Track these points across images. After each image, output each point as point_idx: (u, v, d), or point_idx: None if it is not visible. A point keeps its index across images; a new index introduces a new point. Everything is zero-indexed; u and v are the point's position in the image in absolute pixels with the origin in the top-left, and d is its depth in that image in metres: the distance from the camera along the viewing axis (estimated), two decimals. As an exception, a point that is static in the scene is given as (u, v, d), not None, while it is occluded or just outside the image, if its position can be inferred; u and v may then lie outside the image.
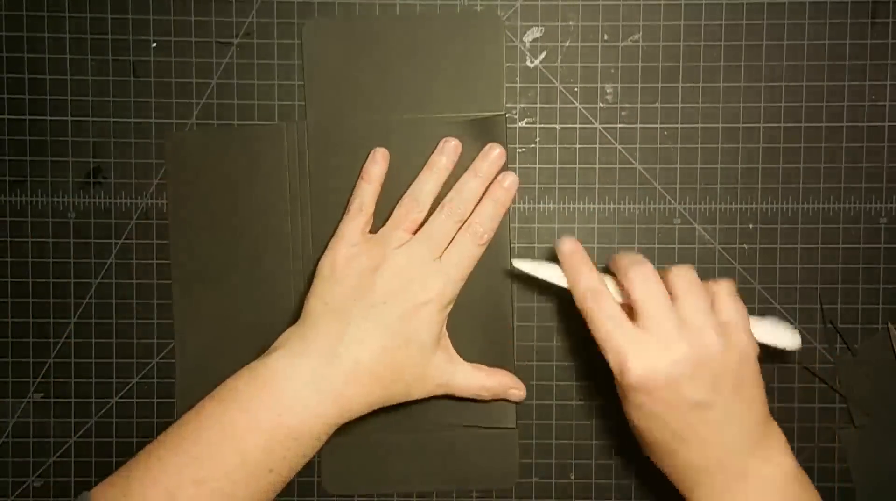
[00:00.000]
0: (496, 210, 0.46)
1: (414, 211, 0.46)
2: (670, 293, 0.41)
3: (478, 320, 0.48)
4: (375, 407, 0.44)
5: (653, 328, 0.40)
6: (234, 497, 0.40)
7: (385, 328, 0.43)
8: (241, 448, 0.41)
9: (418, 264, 0.44)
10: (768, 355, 0.49)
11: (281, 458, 0.41)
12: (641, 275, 0.41)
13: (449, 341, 0.47)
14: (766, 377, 0.48)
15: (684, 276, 0.42)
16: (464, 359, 0.47)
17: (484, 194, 0.47)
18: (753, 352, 0.42)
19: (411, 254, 0.45)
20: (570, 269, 0.43)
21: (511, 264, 0.47)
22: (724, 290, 0.42)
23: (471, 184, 0.46)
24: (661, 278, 0.42)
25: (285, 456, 0.41)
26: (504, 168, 0.47)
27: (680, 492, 0.43)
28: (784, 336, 0.44)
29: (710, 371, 0.40)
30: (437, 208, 0.46)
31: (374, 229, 0.47)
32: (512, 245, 0.49)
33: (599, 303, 0.42)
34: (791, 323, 0.47)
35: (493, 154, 0.47)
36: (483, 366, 0.47)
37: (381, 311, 0.43)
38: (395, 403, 0.44)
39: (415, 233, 0.46)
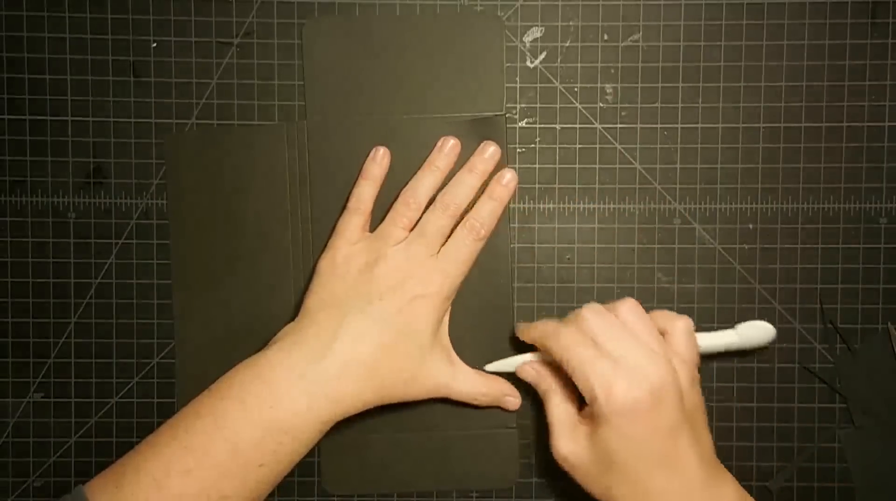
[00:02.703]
0: (494, 207, 0.46)
1: (411, 209, 0.46)
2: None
3: (478, 320, 0.48)
4: (372, 405, 0.44)
5: (627, 356, 0.41)
6: (222, 489, 0.40)
7: (382, 323, 0.43)
8: (232, 439, 0.41)
9: (415, 260, 0.45)
10: (768, 355, 0.49)
11: (272, 452, 0.41)
12: (593, 311, 0.43)
13: (450, 342, 0.47)
14: (767, 377, 0.49)
15: (631, 309, 0.43)
16: (463, 360, 0.47)
17: (482, 191, 0.47)
18: (699, 389, 0.44)
19: (408, 251, 0.45)
20: (542, 338, 0.45)
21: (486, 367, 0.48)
22: (681, 329, 0.44)
23: (466, 180, 0.46)
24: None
25: (276, 451, 0.41)
26: (500, 167, 0.47)
27: None
28: (756, 335, 0.46)
29: (680, 398, 0.41)
30: (432, 205, 0.46)
31: (373, 228, 0.47)
32: (512, 245, 0.49)
33: (576, 348, 0.42)
34: (760, 320, 0.47)
35: (489, 151, 0.47)
36: (482, 372, 0.47)
37: (378, 307, 0.43)
38: (392, 402, 0.44)
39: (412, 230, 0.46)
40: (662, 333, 0.44)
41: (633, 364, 0.41)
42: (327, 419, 0.43)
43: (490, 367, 0.48)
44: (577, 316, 0.43)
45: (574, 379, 0.42)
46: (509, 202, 0.48)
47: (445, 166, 0.47)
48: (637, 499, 0.42)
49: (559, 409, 0.44)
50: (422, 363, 0.44)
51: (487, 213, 0.46)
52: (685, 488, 0.41)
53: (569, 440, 0.43)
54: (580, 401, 0.44)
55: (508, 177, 0.47)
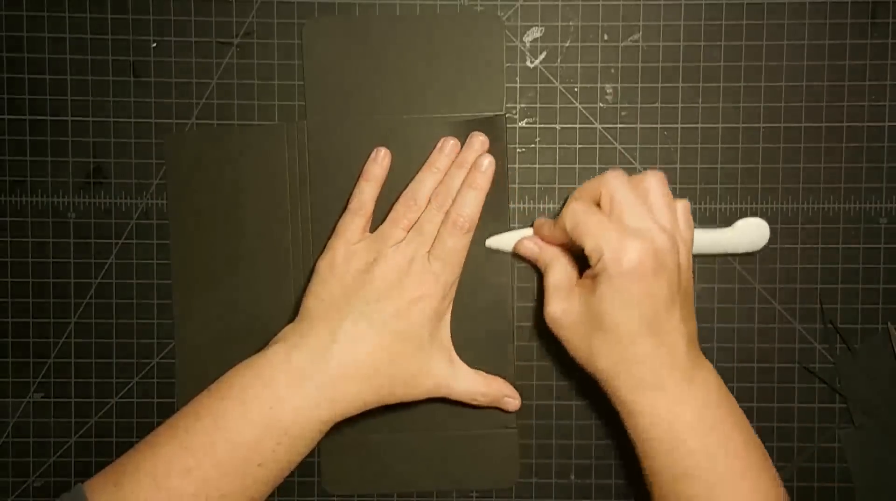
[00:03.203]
0: (475, 196, 0.46)
1: (411, 210, 0.46)
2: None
3: (478, 320, 0.48)
4: (372, 406, 0.44)
5: (639, 225, 0.41)
6: (221, 488, 0.40)
7: (381, 324, 0.43)
8: (232, 438, 0.41)
9: (412, 260, 0.45)
10: (768, 355, 0.49)
11: (271, 452, 0.41)
12: (615, 176, 0.43)
13: (451, 342, 0.47)
14: (767, 377, 0.49)
15: (656, 183, 0.43)
16: (463, 360, 0.47)
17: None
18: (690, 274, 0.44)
19: (406, 251, 0.45)
20: (539, 226, 0.46)
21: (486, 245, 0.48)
22: (682, 208, 0.44)
23: (457, 176, 0.46)
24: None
25: (275, 451, 0.41)
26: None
27: (616, 395, 0.43)
28: (751, 234, 0.47)
29: (677, 273, 0.42)
30: (428, 205, 0.46)
31: (374, 229, 0.47)
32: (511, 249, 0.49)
33: (590, 214, 0.42)
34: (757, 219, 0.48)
35: (477, 142, 0.47)
36: (482, 372, 0.47)
37: (376, 308, 0.43)
38: (392, 402, 0.44)
39: None
40: None
41: (644, 231, 0.41)
42: (327, 420, 0.43)
43: (490, 242, 0.48)
44: (600, 178, 0.43)
45: (583, 242, 0.42)
46: (508, 200, 0.48)
47: (446, 167, 0.47)
48: (617, 361, 0.42)
49: (558, 275, 0.45)
50: (421, 363, 0.44)
51: (467, 203, 0.46)
52: (668, 359, 0.42)
53: (563, 300, 0.44)
54: (580, 271, 0.45)
55: (486, 163, 0.47)
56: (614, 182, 0.42)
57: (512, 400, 0.48)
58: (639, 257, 0.40)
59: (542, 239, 0.47)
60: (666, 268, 0.41)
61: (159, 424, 0.43)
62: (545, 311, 0.45)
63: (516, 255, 0.48)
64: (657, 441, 0.42)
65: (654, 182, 0.43)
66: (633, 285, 0.41)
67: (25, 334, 0.49)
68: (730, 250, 0.48)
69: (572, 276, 0.45)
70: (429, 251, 0.45)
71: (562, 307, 0.44)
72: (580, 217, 0.42)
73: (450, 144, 0.47)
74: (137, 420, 0.49)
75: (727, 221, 0.49)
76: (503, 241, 0.48)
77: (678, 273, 0.42)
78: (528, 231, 0.47)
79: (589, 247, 0.42)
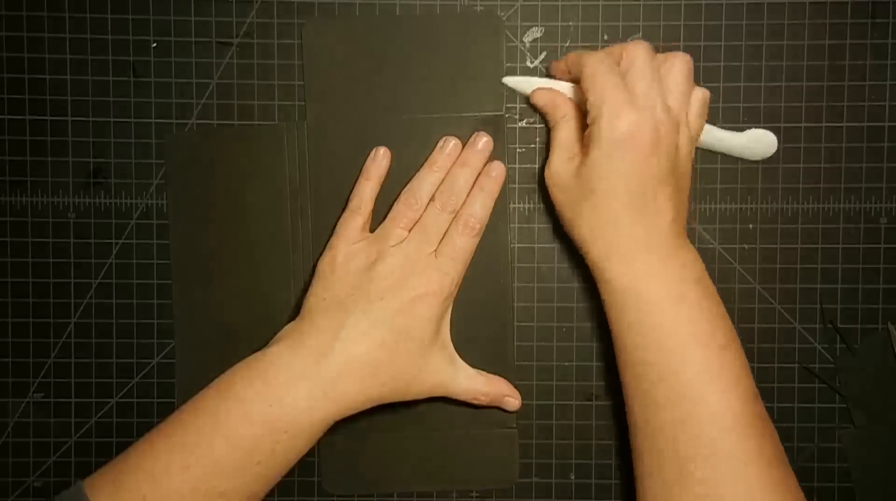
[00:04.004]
0: (485, 200, 0.46)
1: (412, 208, 0.46)
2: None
3: (478, 320, 0.48)
4: (372, 404, 0.44)
5: (648, 97, 0.41)
6: (220, 486, 0.40)
7: (383, 322, 0.43)
8: (231, 436, 0.41)
9: (415, 259, 0.45)
10: (768, 354, 0.49)
11: (270, 450, 0.41)
12: (642, 44, 0.43)
13: (451, 342, 0.47)
14: (767, 377, 0.49)
15: (681, 64, 0.43)
16: (464, 359, 0.47)
17: (474, 184, 0.47)
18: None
19: (408, 250, 0.45)
20: (576, 60, 0.45)
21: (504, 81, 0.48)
22: (699, 98, 0.44)
23: (460, 175, 0.46)
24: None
25: (274, 449, 0.41)
26: (491, 159, 0.47)
27: (589, 259, 0.44)
28: (760, 143, 0.48)
29: (675, 156, 0.42)
30: (430, 203, 0.46)
31: (374, 228, 0.47)
32: (512, 245, 0.49)
33: (606, 73, 0.42)
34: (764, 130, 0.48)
35: (481, 143, 0.47)
36: (483, 372, 0.47)
37: (379, 306, 0.43)
38: (393, 401, 0.44)
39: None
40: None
41: (649, 104, 0.41)
42: (327, 419, 0.43)
43: (508, 80, 0.48)
44: (625, 46, 0.43)
45: (588, 95, 0.42)
46: (507, 200, 0.48)
47: (446, 166, 0.47)
48: (594, 227, 0.43)
49: (565, 133, 0.45)
50: (423, 362, 0.44)
51: (479, 207, 0.46)
52: (644, 238, 0.42)
53: (564, 161, 0.44)
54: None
55: (497, 170, 0.47)
56: (639, 50, 0.42)
57: (512, 400, 0.48)
58: (635, 127, 0.40)
59: (555, 72, 0.47)
60: (661, 146, 0.41)
61: (159, 424, 0.43)
62: (546, 165, 0.45)
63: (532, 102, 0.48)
64: (621, 309, 0.42)
65: (679, 63, 0.43)
66: (624, 153, 0.41)
67: (25, 334, 0.49)
68: (735, 152, 0.48)
69: (576, 138, 0.45)
70: (434, 250, 0.45)
71: (562, 168, 0.44)
72: (597, 67, 0.42)
73: (451, 144, 0.47)
74: (137, 420, 0.49)
75: (727, 220, 0.49)
76: (521, 83, 0.48)
77: (675, 156, 0.42)
78: (548, 82, 0.47)
79: (591, 100, 0.42)
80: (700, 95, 0.44)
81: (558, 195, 0.45)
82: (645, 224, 0.42)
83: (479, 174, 0.47)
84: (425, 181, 0.47)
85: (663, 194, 0.42)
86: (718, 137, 0.47)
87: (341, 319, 0.43)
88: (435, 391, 0.45)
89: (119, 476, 0.41)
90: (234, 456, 0.41)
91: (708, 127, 0.47)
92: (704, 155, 0.48)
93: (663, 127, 0.41)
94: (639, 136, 0.40)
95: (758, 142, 0.48)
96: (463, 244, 0.45)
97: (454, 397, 0.46)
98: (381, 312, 0.43)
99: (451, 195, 0.46)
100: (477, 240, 0.46)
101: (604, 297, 0.44)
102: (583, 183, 0.43)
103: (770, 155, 0.48)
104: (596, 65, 0.42)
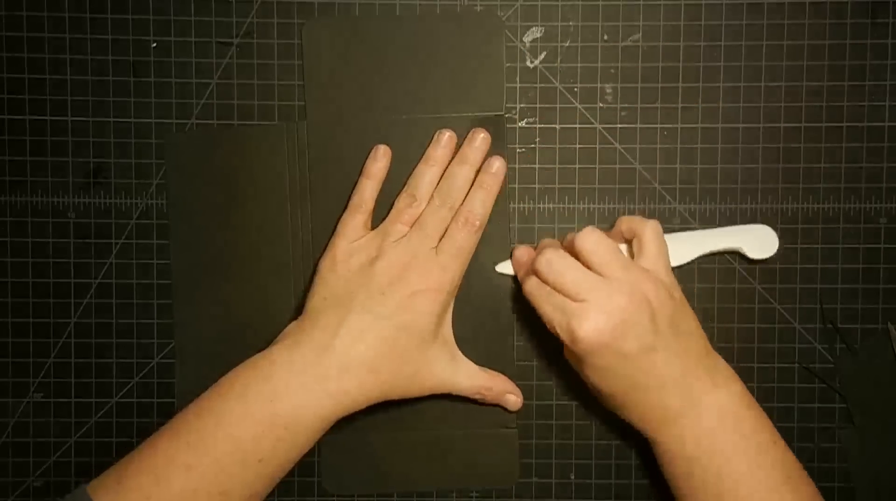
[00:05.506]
0: (485, 197, 0.46)
1: (412, 205, 0.46)
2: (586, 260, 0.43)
3: (478, 320, 0.48)
4: (374, 401, 0.44)
5: (587, 296, 0.42)
6: (222, 484, 0.40)
7: (384, 318, 0.43)
8: (233, 434, 0.41)
9: (415, 255, 0.45)
10: (768, 354, 0.49)
11: (271, 448, 0.41)
12: (553, 255, 0.43)
13: (453, 339, 0.47)
14: (767, 377, 0.49)
15: (589, 239, 0.43)
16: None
17: (474, 181, 0.47)
18: (677, 290, 0.44)
19: (408, 246, 0.45)
20: (515, 265, 0.47)
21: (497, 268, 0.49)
22: (649, 233, 0.44)
23: (459, 171, 0.46)
24: (566, 248, 0.44)
25: (276, 447, 0.41)
26: (490, 154, 0.47)
27: (646, 437, 0.45)
28: (753, 246, 0.47)
29: (647, 316, 0.41)
30: (430, 200, 0.46)
31: (374, 227, 0.47)
32: (512, 245, 0.49)
33: (540, 290, 0.43)
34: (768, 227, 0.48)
35: (478, 138, 0.47)
36: (486, 369, 0.47)
37: (380, 302, 0.43)
38: (394, 398, 0.44)
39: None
40: (633, 239, 0.45)
41: (594, 302, 0.41)
42: (328, 416, 0.43)
43: (501, 268, 0.48)
44: (537, 261, 0.43)
45: (539, 312, 0.43)
46: (507, 200, 0.48)
47: (444, 160, 0.47)
48: (617, 407, 0.44)
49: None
50: (424, 358, 0.44)
51: (479, 203, 0.46)
52: (682, 403, 0.42)
53: (572, 356, 0.45)
54: None
55: (496, 165, 0.47)
56: (552, 262, 0.43)
57: (514, 398, 0.48)
58: (595, 334, 0.41)
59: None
60: (629, 327, 0.41)
61: (159, 424, 0.43)
62: (565, 352, 0.46)
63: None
64: (687, 474, 0.43)
65: (584, 243, 0.43)
66: (601, 358, 0.42)
67: (25, 334, 0.49)
68: (729, 248, 0.48)
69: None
70: (435, 247, 0.45)
71: (572, 357, 0.45)
72: (537, 300, 0.43)
73: (445, 137, 0.47)
74: (137, 420, 0.49)
75: (727, 221, 0.49)
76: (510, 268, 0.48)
77: (650, 318, 0.42)
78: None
79: (551, 330, 0.43)
80: (650, 233, 0.44)
81: (579, 370, 0.45)
82: (652, 393, 0.43)
83: (479, 170, 0.47)
84: (424, 178, 0.46)
85: (659, 358, 0.42)
86: (696, 251, 0.47)
87: (342, 315, 0.43)
88: (437, 387, 0.45)
89: (123, 478, 0.41)
90: (236, 455, 0.41)
91: (693, 238, 0.47)
92: (704, 155, 0.48)
93: (619, 311, 0.41)
94: (602, 335, 0.41)
95: (753, 240, 0.48)
96: (463, 241, 0.45)
97: (457, 393, 0.46)
98: (381, 308, 0.43)
99: (450, 192, 0.46)
100: (478, 236, 0.46)
101: (661, 460, 0.45)
102: (595, 389, 0.44)
103: (773, 252, 0.48)
104: (531, 293, 0.44)
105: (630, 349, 0.41)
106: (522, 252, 0.47)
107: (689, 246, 0.47)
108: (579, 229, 0.44)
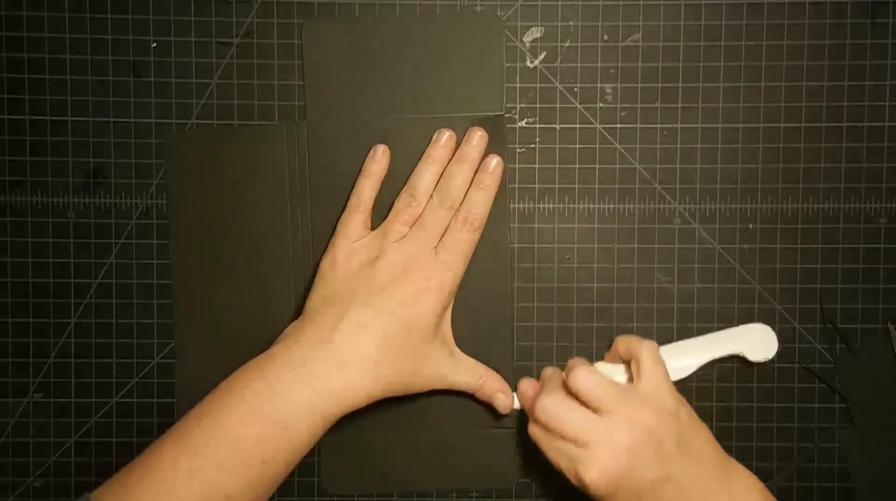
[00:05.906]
0: (484, 196, 0.46)
1: (412, 205, 0.46)
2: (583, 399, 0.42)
3: (478, 319, 0.48)
4: (375, 398, 0.44)
5: (589, 437, 0.41)
6: (225, 487, 0.40)
7: (384, 314, 0.43)
8: (235, 435, 0.41)
9: (416, 254, 0.45)
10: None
11: (273, 448, 0.41)
12: (548, 401, 0.43)
13: (452, 338, 0.47)
14: (766, 377, 0.49)
15: (581, 378, 0.42)
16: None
17: (473, 179, 0.47)
18: (682, 407, 0.43)
19: (409, 246, 0.45)
20: (521, 399, 0.46)
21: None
22: (646, 355, 0.44)
23: (458, 171, 0.46)
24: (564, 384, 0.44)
25: (277, 446, 0.41)
26: (489, 153, 0.47)
27: None
28: (753, 348, 0.47)
29: (653, 448, 0.41)
30: (430, 199, 0.46)
31: (374, 227, 0.47)
32: (512, 245, 0.49)
33: (544, 435, 0.43)
34: (768, 328, 0.48)
35: (476, 137, 0.47)
36: (482, 364, 0.47)
37: (380, 298, 0.43)
38: (395, 395, 0.44)
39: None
40: (630, 359, 0.44)
41: (597, 444, 0.41)
42: (329, 413, 0.42)
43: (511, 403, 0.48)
44: (535, 409, 0.43)
45: (545, 455, 0.43)
46: (508, 200, 0.48)
47: (443, 160, 0.47)
48: None
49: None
50: (424, 355, 0.44)
51: (477, 203, 0.46)
52: None
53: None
54: None
55: (494, 164, 0.47)
56: (548, 409, 0.42)
57: (503, 397, 0.47)
58: (602, 478, 0.41)
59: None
60: (635, 462, 0.41)
61: (159, 424, 0.43)
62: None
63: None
64: None
65: (575, 381, 0.42)
66: (613, 498, 0.41)
67: (25, 334, 0.49)
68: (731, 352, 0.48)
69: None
70: (435, 246, 0.45)
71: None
72: (542, 445, 0.43)
73: (445, 136, 0.47)
74: (137, 420, 0.49)
75: (727, 220, 0.49)
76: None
77: (656, 448, 0.41)
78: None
79: (553, 465, 0.43)
80: (647, 355, 0.44)
81: None
82: None
83: (478, 169, 0.47)
84: (424, 177, 0.46)
85: (668, 488, 0.41)
86: (698, 361, 0.47)
87: (342, 311, 0.43)
88: (438, 383, 0.45)
89: (127, 486, 0.40)
90: (238, 457, 0.41)
91: (694, 346, 0.47)
92: (704, 155, 0.48)
93: (622, 450, 0.41)
94: (610, 478, 0.41)
95: (751, 341, 0.48)
96: (463, 240, 0.45)
97: (458, 388, 0.46)
98: (382, 304, 0.43)
99: (449, 192, 0.46)
100: (477, 235, 0.46)
101: None
102: None
103: (773, 353, 0.48)
104: (535, 437, 0.43)
105: (642, 484, 0.41)
106: (527, 386, 0.46)
107: (688, 358, 0.47)
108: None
